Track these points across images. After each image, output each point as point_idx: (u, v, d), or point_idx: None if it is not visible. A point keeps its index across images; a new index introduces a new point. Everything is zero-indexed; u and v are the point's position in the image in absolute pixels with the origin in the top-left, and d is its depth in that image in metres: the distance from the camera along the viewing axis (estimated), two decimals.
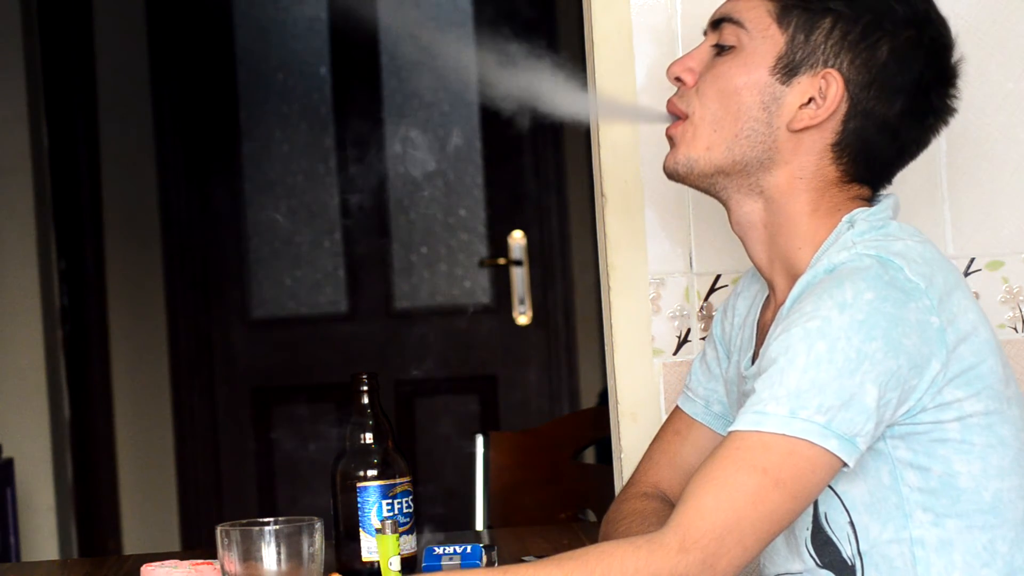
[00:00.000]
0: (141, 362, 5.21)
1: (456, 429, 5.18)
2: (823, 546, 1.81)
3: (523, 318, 5.17)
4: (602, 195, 2.33)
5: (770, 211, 1.85)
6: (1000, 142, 2.30)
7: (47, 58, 4.77)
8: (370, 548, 2.21)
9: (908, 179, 2.28)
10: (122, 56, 5.15)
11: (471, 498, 3.06)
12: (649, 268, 2.32)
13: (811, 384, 1.68)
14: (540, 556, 2.14)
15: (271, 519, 1.81)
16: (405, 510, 2.22)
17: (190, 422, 5.23)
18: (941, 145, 2.30)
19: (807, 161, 1.83)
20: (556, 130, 5.14)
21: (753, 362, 1.88)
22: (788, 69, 1.82)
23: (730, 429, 1.71)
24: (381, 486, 2.21)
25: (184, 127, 5.15)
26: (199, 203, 5.19)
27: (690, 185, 1.89)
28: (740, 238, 1.90)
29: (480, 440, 3.05)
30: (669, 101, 1.89)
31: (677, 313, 2.32)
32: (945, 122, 1.87)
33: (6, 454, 4.31)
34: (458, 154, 5.15)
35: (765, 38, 1.83)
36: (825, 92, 1.81)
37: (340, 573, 1.95)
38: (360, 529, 2.21)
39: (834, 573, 1.81)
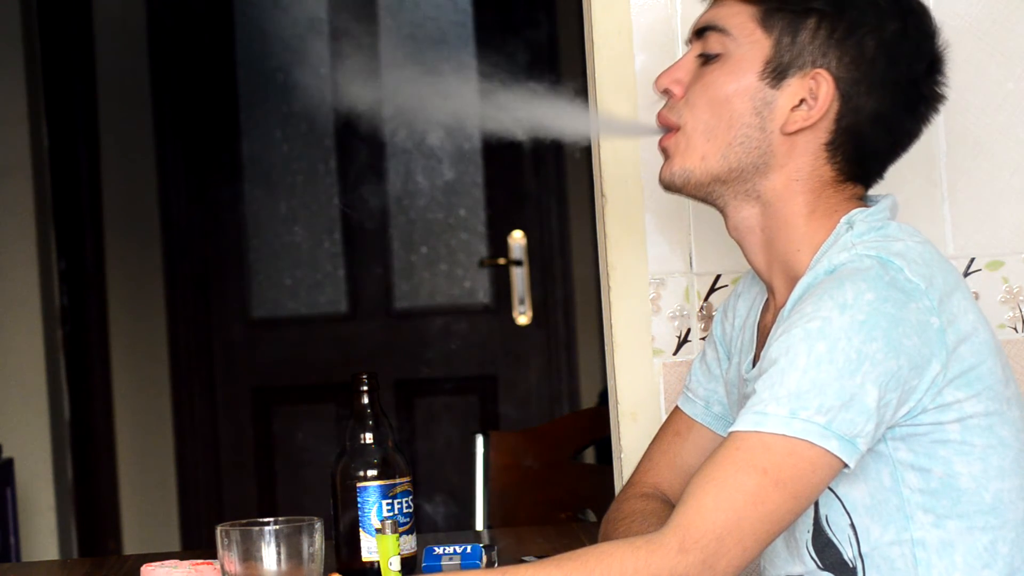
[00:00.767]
0: (141, 362, 5.21)
1: (456, 429, 5.18)
2: (824, 548, 1.81)
3: (523, 318, 5.17)
4: (602, 195, 2.33)
5: (767, 215, 1.85)
6: (1000, 142, 2.30)
7: (47, 58, 4.77)
8: (370, 548, 2.20)
9: (908, 179, 2.28)
10: (122, 56, 5.15)
11: (471, 498, 3.06)
12: (649, 268, 2.32)
13: (812, 385, 1.68)
14: (540, 556, 2.14)
15: (271, 519, 1.81)
16: (405, 510, 2.22)
17: (190, 422, 5.23)
18: (941, 145, 2.30)
19: (802, 163, 1.83)
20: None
21: (754, 365, 1.88)
22: (777, 72, 1.82)
23: (730, 430, 1.71)
24: (381, 486, 2.21)
25: (184, 127, 5.15)
26: (199, 203, 5.19)
27: (687, 195, 1.89)
28: (738, 243, 1.90)
29: (480, 440, 3.05)
30: (659, 113, 1.89)
31: (677, 313, 2.32)
32: (936, 110, 1.87)
33: (6, 454, 4.31)
34: (458, 154, 5.15)
35: (751, 43, 1.83)
36: (816, 92, 1.81)
37: (340, 573, 1.95)
38: (360, 529, 2.21)
39: (835, 575, 1.81)
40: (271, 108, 5.10)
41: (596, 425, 3.04)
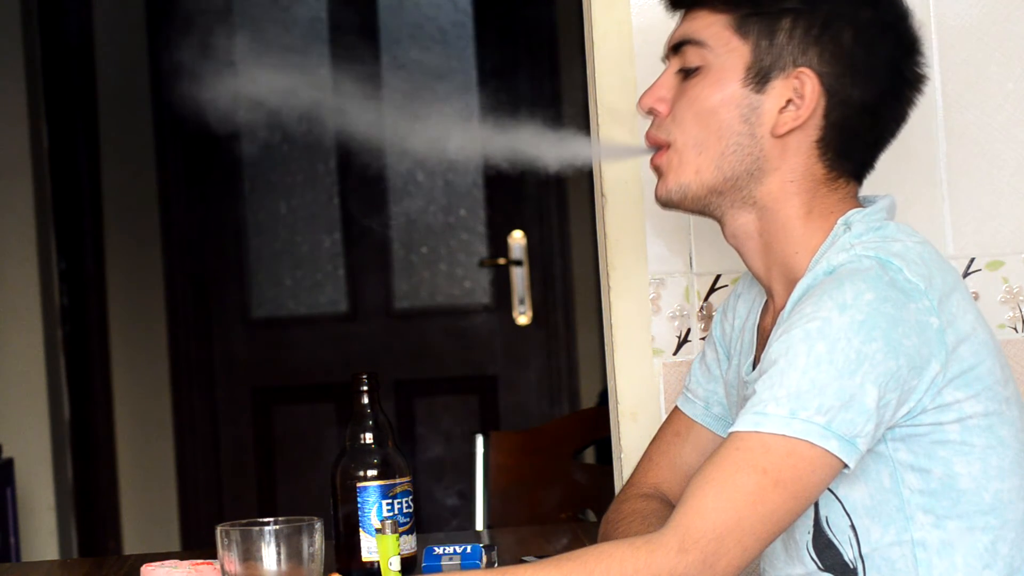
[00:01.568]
0: (141, 362, 5.21)
1: (456, 429, 5.18)
2: (825, 549, 1.81)
3: (523, 318, 5.17)
4: (602, 195, 2.33)
5: (764, 219, 1.85)
6: (1000, 142, 2.30)
7: (47, 58, 4.77)
8: (370, 548, 2.21)
9: (908, 179, 2.28)
10: (122, 56, 5.15)
11: (471, 498, 3.06)
12: (649, 268, 2.32)
13: (811, 385, 1.68)
14: (540, 556, 2.14)
15: (271, 519, 1.81)
16: (405, 510, 2.22)
17: (190, 422, 5.23)
18: (941, 145, 2.30)
19: (796, 163, 1.83)
20: (556, 129, 5.13)
21: (754, 367, 1.88)
22: (760, 77, 1.82)
23: (730, 430, 1.71)
24: (381, 486, 2.21)
25: (184, 127, 5.15)
26: (199, 203, 5.19)
27: (684, 210, 1.89)
28: (736, 249, 1.90)
29: (480, 440, 3.06)
30: (647, 134, 1.89)
31: (677, 313, 2.32)
32: (920, 91, 1.87)
33: (6, 454, 4.31)
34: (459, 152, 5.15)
35: (729, 52, 1.83)
36: (801, 91, 1.81)
37: (340, 573, 1.95)
38: (360, 529, 2.21)
39: None
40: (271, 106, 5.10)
41: (596, 425, 3.04)
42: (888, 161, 2.24)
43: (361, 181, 5.12)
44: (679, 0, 1.90)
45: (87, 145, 5.12)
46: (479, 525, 3.03)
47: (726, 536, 1.66)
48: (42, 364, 4.58)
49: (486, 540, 2.56)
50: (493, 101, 5.02)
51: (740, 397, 1.92)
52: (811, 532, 1.81)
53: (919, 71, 1.86)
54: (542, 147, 1.95)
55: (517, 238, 5.16)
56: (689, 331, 2.32)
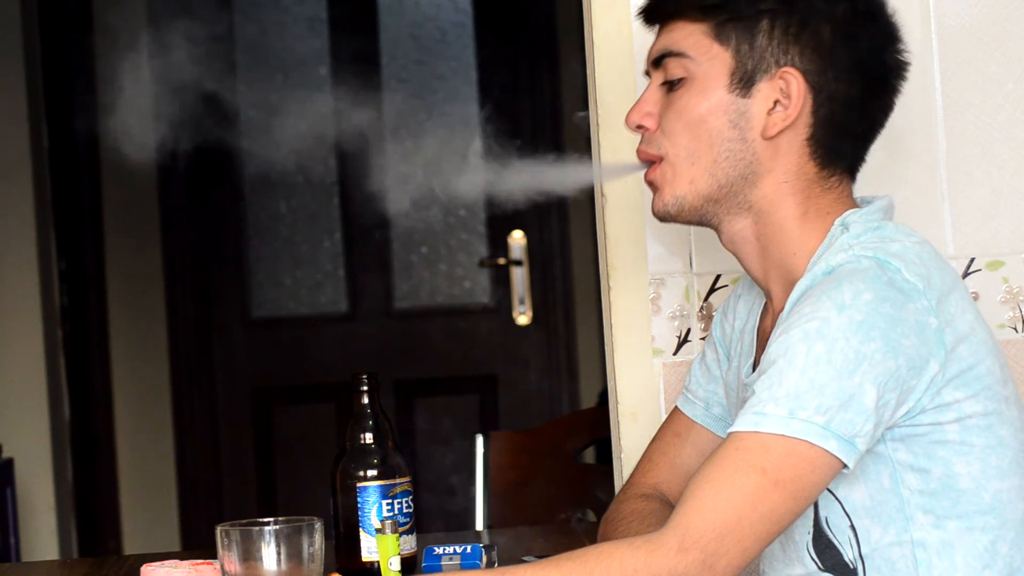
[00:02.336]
0: (141, 362, 5.21)
1: (456, 429, 5.18)
2: (825, 549, 1.81)
3: (523, 318, 5.17)
4: (602, 195, 2.33)
5: (760, 223, 1.85)
6: (1000, 142, 2.30)
7: (47, 58, 4.77)
8: (370, 548, 2.20)
9: (908, 179, 2.28)
10: (122, 56, 5.15)
11: (471, 498, 3.06)
12: (649, 268, 2.32)
13: (810, 385, 1.68)
14: (540, 556, 2.14)
15: (271, 519, 1.81)
16: (405, 510, 2.22)
17: (190, 422, 5.23)
18: (941, 145, 2.30)
19: (788, 163, 1.84)
20: (556, 130, 5.14)
21: (754, 369, 1.88)
22: (744, 81, 1.82)
23: (729, 430, 1.71)
24: (381, 486, 2.21)
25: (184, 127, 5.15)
26: (199, 203, 5.19)
27: (683, 222, 1.89)
28: (733, 254, 1.90)
29: (480, 440, 3.06)
30: (638, 150, 1.89)
31: (677, 313, 2.32)
32: (904, 78, 1.87)
33: (6, 454, 4.31)
34: (459, 153, 5.15)
35: (711, 60, 1.83)
36: (787, 91, 1.81)
37: (340, 573, 1.95)
38: (360, 529, 2.21)
39: None
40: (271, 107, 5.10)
41: (596, 425, 3.04)
42: (888, 161, 2.24)
43: (361, 180, 5.12)
44: (655, 13, 1.90)
45: (87, 145, 5.12)
46: (479, 525, 3.03)
47: (726, 536, 1.66)
48: (42, 364, 4.58)
49: (486, 540, 2.56)
50: (493, 102, 5.02)
51: (740, 399, 1.92)
52: (811, 532, 1.81)
53: (901, 58, 1.86)
54: (544, 177, 1.97)
55: (517, 238, 5.16)
56: (689, 331, 2.32)
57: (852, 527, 1.78)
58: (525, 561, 2.01)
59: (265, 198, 5.19)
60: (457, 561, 2.14)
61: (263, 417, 5.24)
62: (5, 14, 4.53)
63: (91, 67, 5.13)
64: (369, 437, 2.24)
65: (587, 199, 2.34)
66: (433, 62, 5.18)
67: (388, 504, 2.20)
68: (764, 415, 1.69)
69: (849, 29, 1.82)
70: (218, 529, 1.81)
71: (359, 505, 2.20)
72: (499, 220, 5.16)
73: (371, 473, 2.21)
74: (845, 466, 1.69)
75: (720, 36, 1.82)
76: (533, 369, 5.22)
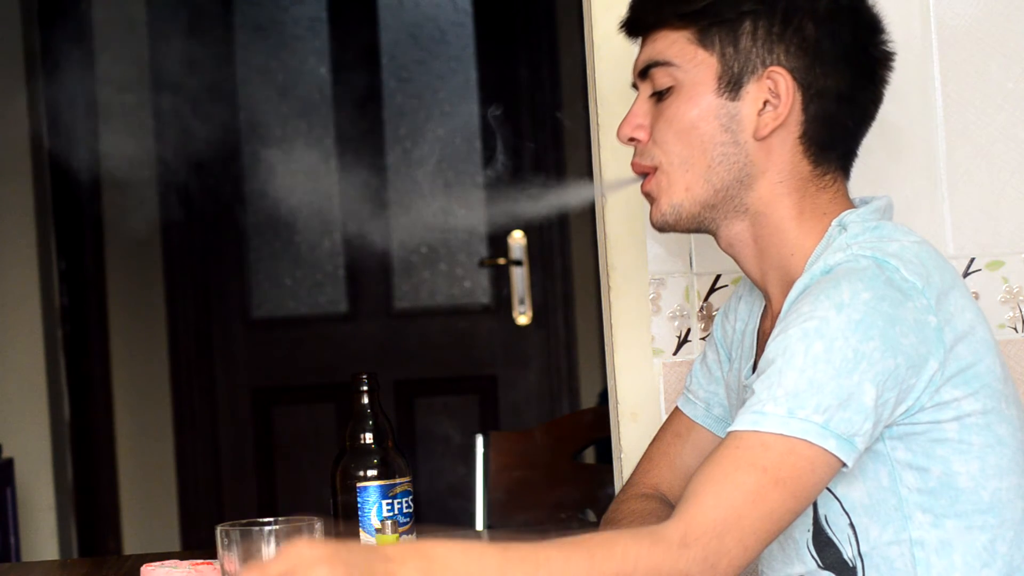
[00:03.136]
0: (141, 362, 5.21)
1: (456, 429, 5.18)
2: (824, 547, 1.81)
3: (523, 318, 5.17)
4: (602, 195, 2.33)
5: (757, 225, 1.86)
6: (1000, 142, 2.30)
7: (47, 58, 4.77)
8: None
9: (908, 179, 2.28)
10: (122, 56, 5.15)
11: (471, 498, 3.06)
12: (649, 268, 2.32)
13: (809, 384, 1.68)
14: None
15: (271, 519, 1.81)
16: (405, 510, 2.22)
17: (190, 422, 5.23)
18: (941, 145, 2.30)
19: (782, 163, 1.84)
20: (556, 130, 5.14)
21: (754, 371, 1.88)
22: (732, 84, 1.82)
23: (729, 429, 1.71)
24: (381, 486, 2.21)
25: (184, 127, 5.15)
26: (199, 203, 5.19)
27: (681, 230, 1.89)
28: (732, 257, 1.90)
29: (480, 440, 3.06)
30: (632, 163, 1.90)
31: (677, 313, 2.32)
32: (890, 68, 1.87)
33: (6, 454, 4.31)
34: (459, 153, 5.16)
35: (697, 66, 1.83)
36: (776, 90, 1.82)
37: None
38: (360, 529, 2.21)
39: (836, 574, 1.81)
40: (271, 108, 5.10)
41: (596, 425, 3.04)
42: (888, 161, 2.24)
43: (361, 180, 5.12)
44: (637, 25, 1.90)
45: (87, 145, 5.12)
46: (479, 525, 3.03)
47: (726, 534, 1.66)
48: (42, 364, 4.58)
49: (486, 540, 2.56)
50: (493, 102, 5.02)
51: (740, 401, 1.92)
52: (811, 530, 1.81)
53: (886, 49, 1.87)
54: (548, 200, 1.97)
55: (517, 238, 5.16)
56: (689, 331, 2.32)
57: (851, 525, 1.79)
58: None
59: (265, 198, 5.18)
60: None
61: (263, 417, 5.24)
62: (5, 14, 4.53)
63: (91, 67, 5.13)
64: (369, 437, 2.24)
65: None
66: (433, 62, 5.18)
67: (388, 504, 2.20)
68: (763, 414, 1.69)
69: (832, 23, 1.82)
70: (218, 529, 1.81)
71: (359, 505, 2.20)
72: (499, 220, 5.15)
73: (371, 473, 2.21)
74: (844, 465, 1.70)
75: (704, 41, 1.83)
76: (533, 369, 5.22)
